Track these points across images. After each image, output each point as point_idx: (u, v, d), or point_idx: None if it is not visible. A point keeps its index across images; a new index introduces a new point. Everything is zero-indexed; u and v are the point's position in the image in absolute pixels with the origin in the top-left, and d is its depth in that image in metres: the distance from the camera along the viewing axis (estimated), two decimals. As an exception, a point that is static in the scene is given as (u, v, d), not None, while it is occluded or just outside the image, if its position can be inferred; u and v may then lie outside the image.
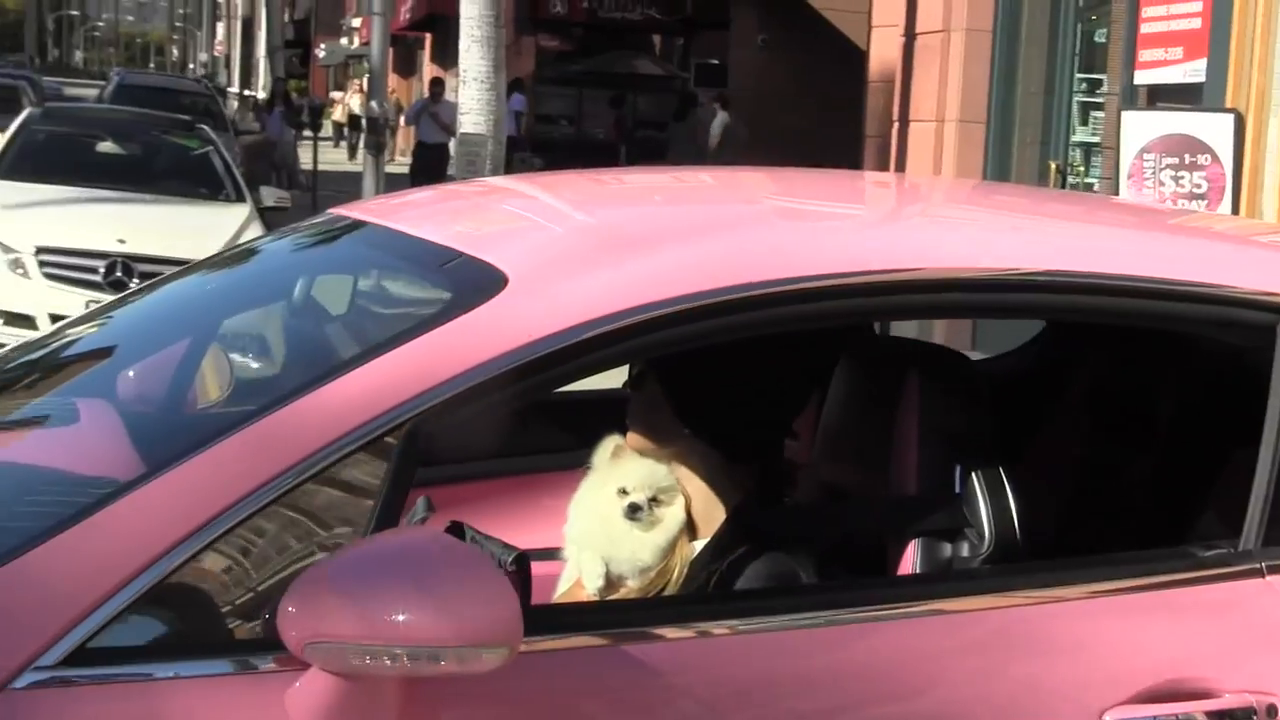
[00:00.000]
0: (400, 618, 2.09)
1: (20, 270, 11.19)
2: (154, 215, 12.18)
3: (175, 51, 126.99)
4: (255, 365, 3.20)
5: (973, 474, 2.82)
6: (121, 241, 11.22)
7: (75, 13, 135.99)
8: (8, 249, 11.25)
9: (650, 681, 2.43)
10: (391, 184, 19.07)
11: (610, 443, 3.04)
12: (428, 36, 43.72)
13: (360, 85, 35.76)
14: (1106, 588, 2.70)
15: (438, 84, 25.43)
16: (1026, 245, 3.03)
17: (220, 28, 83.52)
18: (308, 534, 2.46)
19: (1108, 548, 3.07)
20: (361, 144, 25.11)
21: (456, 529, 3.08)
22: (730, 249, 2.72)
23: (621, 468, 2.98)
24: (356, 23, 50.87)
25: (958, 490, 2.83)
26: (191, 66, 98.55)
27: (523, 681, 2.34)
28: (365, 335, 3.01)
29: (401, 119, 30.05)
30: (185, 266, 3.71)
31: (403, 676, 2.17)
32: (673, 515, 2.95)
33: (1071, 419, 3.88)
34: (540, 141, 29.07)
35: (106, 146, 14.27)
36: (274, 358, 3.29)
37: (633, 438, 3.03)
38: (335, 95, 50.27)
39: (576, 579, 3.09)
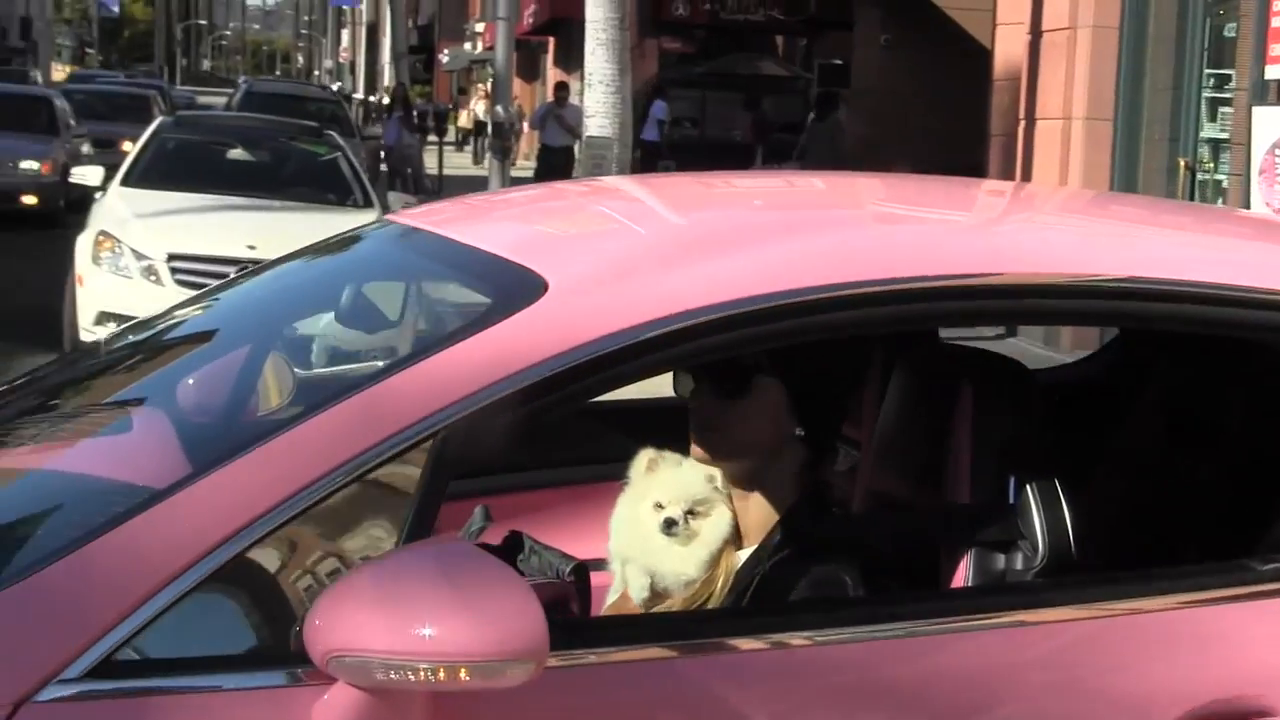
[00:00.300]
0: (423, 631, 2.07)
1: (153, 277, 11.33)
2: (283, 221, 12.24)
3: (300, 58, 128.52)
4: (299, 370, 3.19)
5: (1026, 485, 2.78)
6: (252, 248, 11.31)
7: (203, 22, 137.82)
8: (141, 256, 11.39)
9: (721, 693, 2.40)
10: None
11: (644, 456, 2.99)
12: (551, 40, 43.89)
13: (485, 90, 35.92)
14: (1168, 603, 2.65)
15: (562, 88, 25.50)
16: (1108, 251, 2.97)
17: (345, 34, 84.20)
18: (343, 543, 2.44)
19: (1175, 558, 3.04)
20: (487, 148, 25.20)
21: (515, 539, 3.08)
22: (795, 253, 2.68)
23: (657, 481, 2.94)
24: (480, 28, 51.13)
25: (1011, 501, 2.79)
26: (316, 73, 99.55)
27: (575, 695, 2.32)
28: (404, 343, 3.01)
29: (525, 124, 30.16)
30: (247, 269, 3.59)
31: (428, 690, 2.14)
32: (712, 526, 2.91)
33: (1143, 426, 3.80)
34: (668, 145, 29.05)
35: (236, 154, 14.29)
36: (321, 360, 3.31)
37: (709, 449, 2.96)
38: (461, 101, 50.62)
39: (623, 591, 3.06)
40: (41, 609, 2.20)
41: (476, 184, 24.56)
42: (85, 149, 24.96)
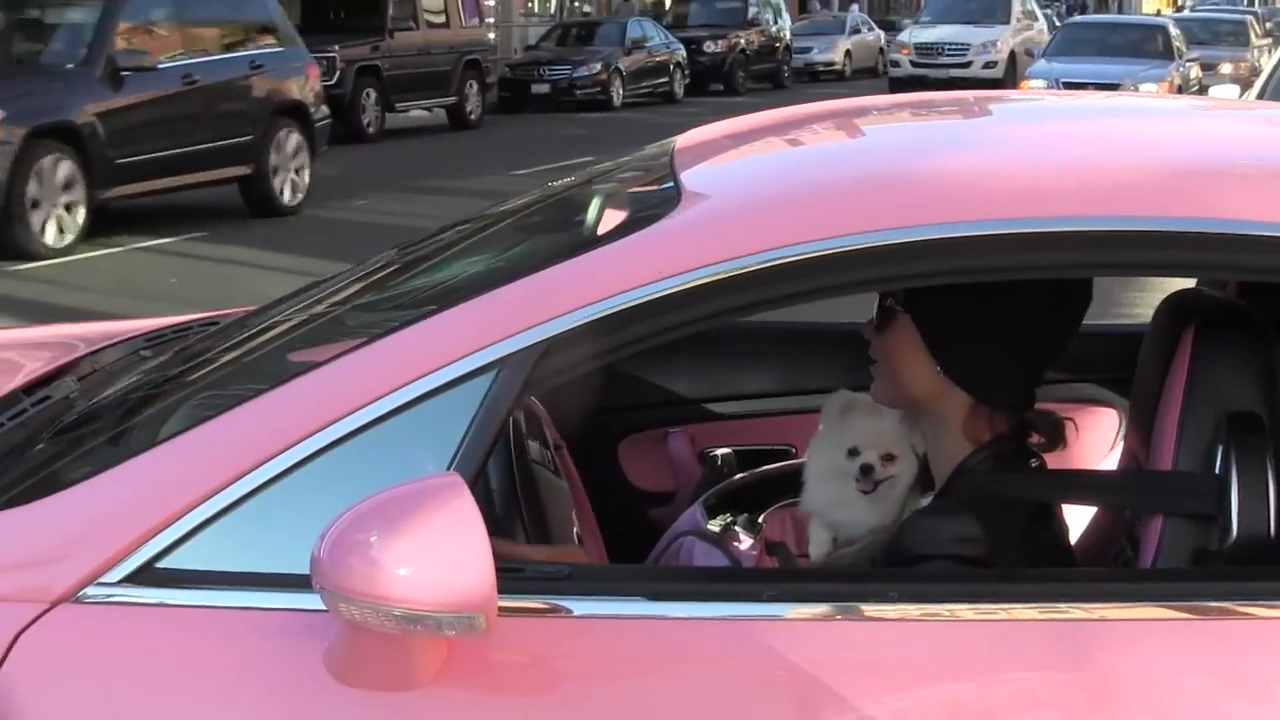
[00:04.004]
0: (367, 574, 1.87)
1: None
2: None
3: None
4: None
5: (1234, 454, 2.30)
6: None
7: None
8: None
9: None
10: None
11: (839, 399, 2.74)
12: None
13: None
14: None
15: None
16: None
17: None
18: (386, 471, 2.08)
19: None
20: None
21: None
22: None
23: (851, 425, 2.69)
24: None
25: (1217, 471, 2.32)
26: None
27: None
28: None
29: None
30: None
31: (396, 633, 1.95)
32: (905, 471, 2.66)
33: None
34: None
35: None
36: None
37: (877, 385, 2.65)
38: None
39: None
40: (91, 513, 2.14)
41: None
42: (1195, 72, 25.59)
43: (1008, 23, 34.47)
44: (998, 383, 2.54)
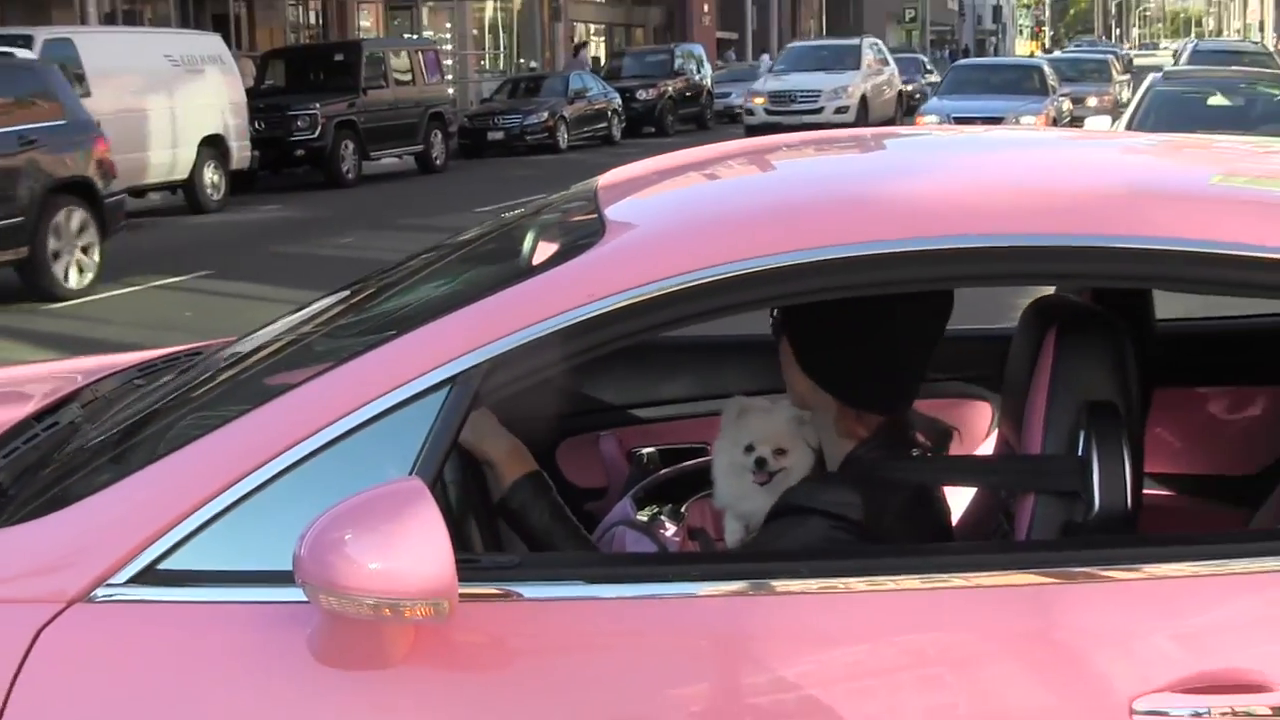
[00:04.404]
0: (343, 569, 1.88)
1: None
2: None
3: (1210, 21, 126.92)
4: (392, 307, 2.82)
5: (1095, 438, 2.30)
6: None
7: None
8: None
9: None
10: None
11: (735, 404, 2.72)
12: None
13: None
14: (1182, 569, 2.09)
15: None
16: None
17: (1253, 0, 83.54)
18: (356, 477, 2.05)
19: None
20: None
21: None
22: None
23: (746, 425, 2.67)
24: None
25: (1080, 453, 2.33)
26: (1224, 34, 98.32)
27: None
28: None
29: None
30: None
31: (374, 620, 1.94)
32: (797, 465, 2.62)
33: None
34: None
35: (1215, 100, 14.11)
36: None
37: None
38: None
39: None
40: (99, 523, 2.14)
41: None
42: (1066, 106, 25.70)
43: (858, 69, 32.67)
44: (859, 386, 2.57)
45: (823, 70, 32.36)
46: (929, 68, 45.34)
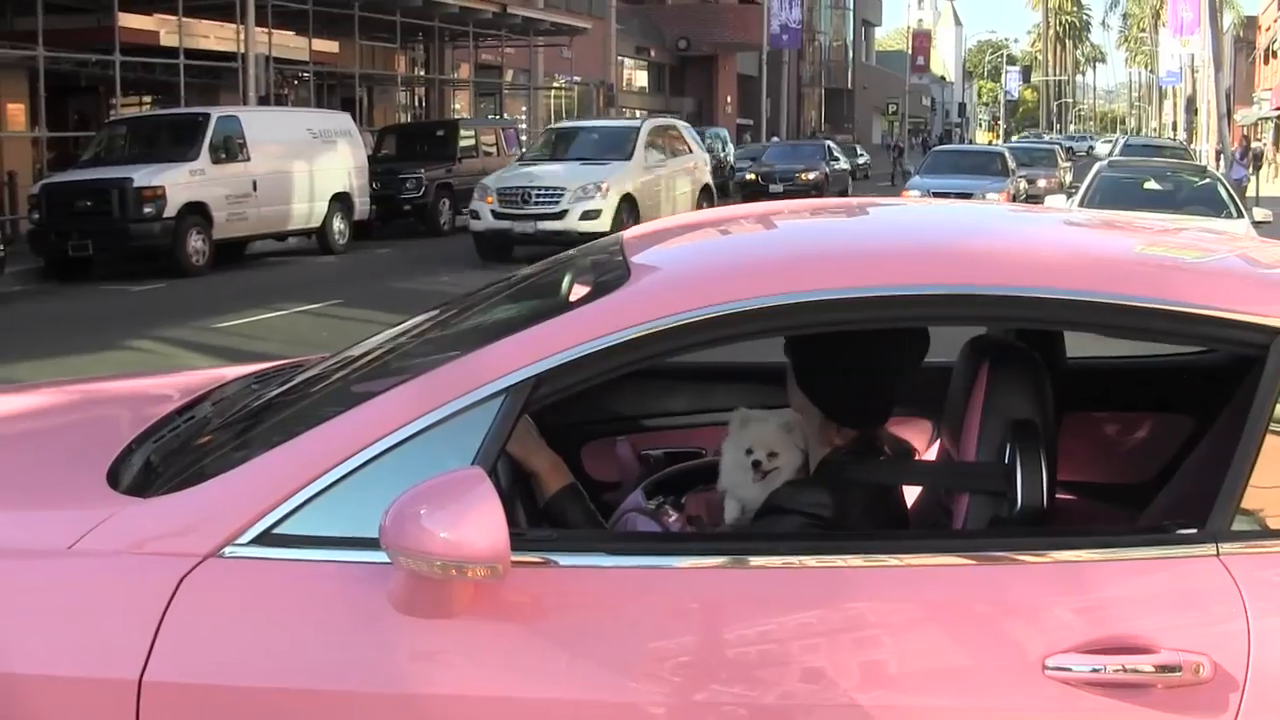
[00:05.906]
0: (419, 538, 1.92)
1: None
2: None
3: (1131, 120, 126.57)
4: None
5: (1018, 450, 2.32)
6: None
7: (1069, 100, 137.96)
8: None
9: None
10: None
11: (739, 415, 2.73)
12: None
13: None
14: (1079, 555, 2.10)
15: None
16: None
17: (1167, 104, 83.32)
18: (430, 465, 2.08)
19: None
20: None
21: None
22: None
23: (747, 432, 2.69)
24: (1267, 94, 50.25)
25: (1006, 461, 2.34)
26: (1144, 131, 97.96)
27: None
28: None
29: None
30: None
31: (435, 579, 1.97)
32: (786, 464, 2.64)
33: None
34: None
35: (1150, 185, 14.33)
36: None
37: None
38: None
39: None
40: (227, 496, 2.18)
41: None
42: (1023, 185, 25.64)
43: (629, 159, 19.28)
44: (840, 404, 2.59)
45: (580, 160, 19.56)
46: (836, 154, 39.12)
